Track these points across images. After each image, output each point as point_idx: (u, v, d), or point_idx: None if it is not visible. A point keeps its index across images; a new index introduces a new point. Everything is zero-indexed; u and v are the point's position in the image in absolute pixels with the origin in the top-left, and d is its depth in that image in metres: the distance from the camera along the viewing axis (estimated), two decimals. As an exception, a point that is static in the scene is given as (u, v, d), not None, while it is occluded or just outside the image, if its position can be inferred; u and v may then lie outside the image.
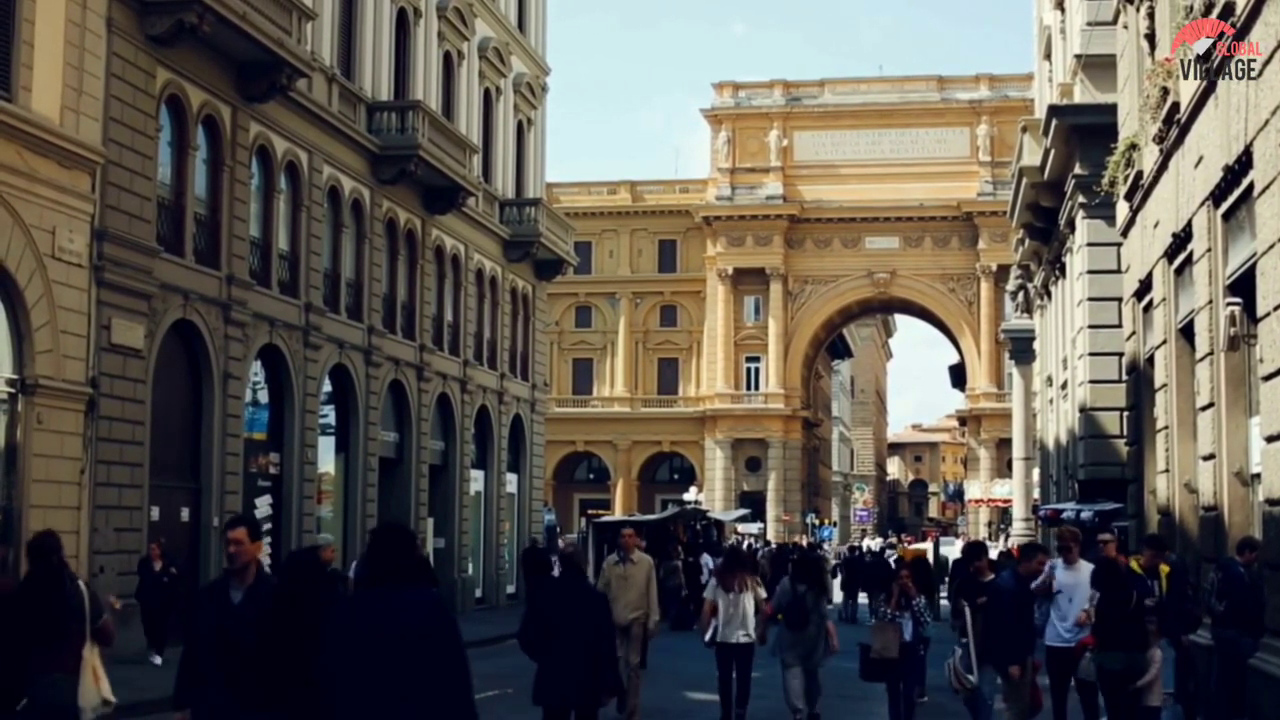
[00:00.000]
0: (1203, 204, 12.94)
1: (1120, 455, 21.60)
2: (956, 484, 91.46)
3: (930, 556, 32.16)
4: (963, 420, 71.42)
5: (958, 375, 69.52)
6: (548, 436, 40.69)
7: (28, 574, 8.22)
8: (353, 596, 5.96)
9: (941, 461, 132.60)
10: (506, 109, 34.80)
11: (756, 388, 65.33)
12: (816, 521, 69.81)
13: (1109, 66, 20.32)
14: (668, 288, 67.38)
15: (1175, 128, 14.15)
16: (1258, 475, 11.90)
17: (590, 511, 61.34)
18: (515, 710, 11.70)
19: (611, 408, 66.73)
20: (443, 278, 30.55)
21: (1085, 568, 11.94)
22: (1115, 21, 19.49)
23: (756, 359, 65.44)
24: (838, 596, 34.82)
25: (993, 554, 22.62)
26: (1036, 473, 35.49)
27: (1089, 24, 23.57)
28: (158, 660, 17.32)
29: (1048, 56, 31.44)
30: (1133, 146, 17.14)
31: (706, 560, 31.51)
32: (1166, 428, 15.69)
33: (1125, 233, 18.68)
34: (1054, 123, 24.05)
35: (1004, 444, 56.32)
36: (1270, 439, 10.71)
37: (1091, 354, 23.40)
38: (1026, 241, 32.18)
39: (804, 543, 48.56)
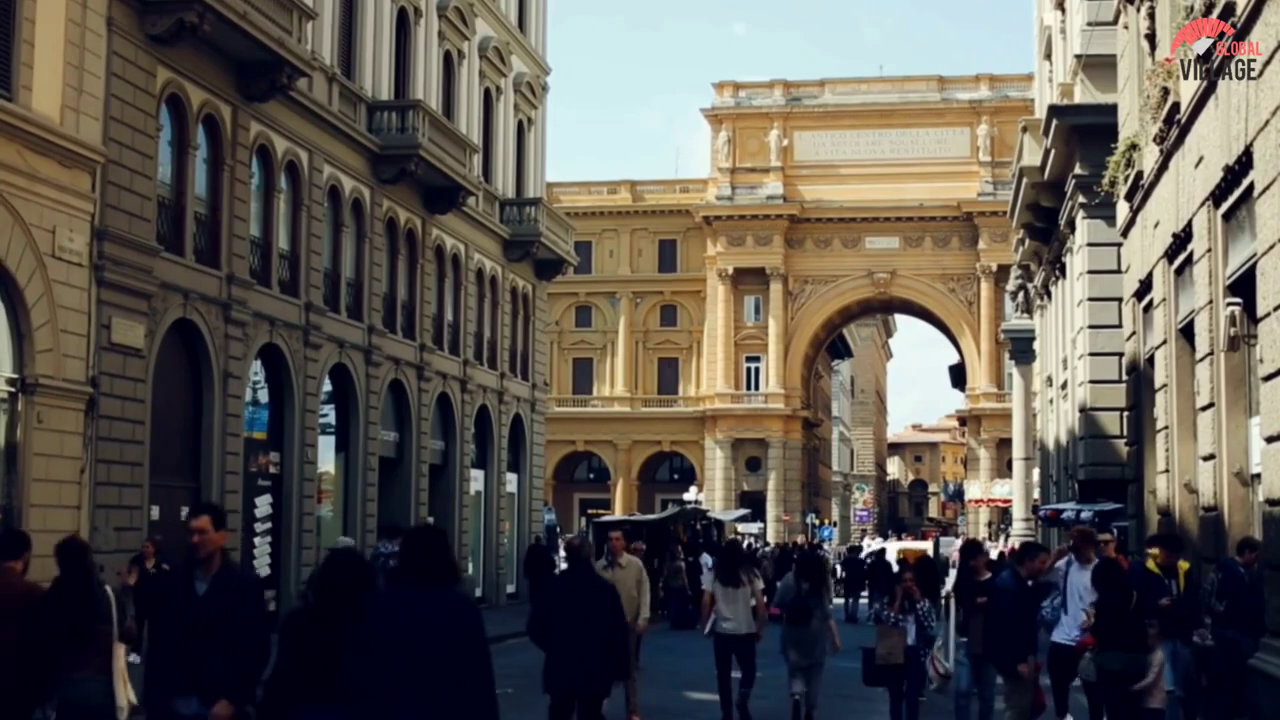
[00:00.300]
0: (1203, 204, 12.94)
1: (1120, 455, 21.60)
2: (956, 484, 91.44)
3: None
4: (963, 420, 71.43)
5: (958, 375, 69.54)
6: (548, 436, 40.70)
7: (57, 577, 8.26)
8: (383, 593, 6.10)
9: (941, 461, 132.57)
10: (507, 109, 34.81)
11: (756, 388, 65.34)
12: (816, 521, 69.81)
13: (1109, 66, 20.32)
14: (668, 287, 67.39)
15: (1175, 128, 14.15)
16: (1258, 475, 11.90)
17: (590, 511, 61.42)
18: (516, 709, 11.71)
19: (611, 407, 66.74)
20: (443, 277, 30.56)
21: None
22: (1115, 22, 19.49)
23: (756, 359, 65.45)
24: (838, 596, 34.85)
25: (992, 554, 22.66)
26: (1036, 473, 35.49)
27: (1089, 24, 23.57)
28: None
29: (1048, 56, 31.44)
30: (1133, 146, 17.14)
31: (706, 560, 31.56)
32: (1166, 428, 15.68)
33: (1125, 233, 18.69)
34: (1054, 123, 24.04)
35: (1004, 444, 56.34)
36: (1270, 439, 10.71)
37: (1091, 354, 23.40)
38: (1026, 241, 32.17)
39: (803, 542, 48.56)
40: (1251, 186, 11.14)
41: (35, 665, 7.87)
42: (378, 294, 26.84)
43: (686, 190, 68.37)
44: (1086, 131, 22.81)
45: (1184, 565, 12.18)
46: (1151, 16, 15.98)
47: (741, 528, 51.26)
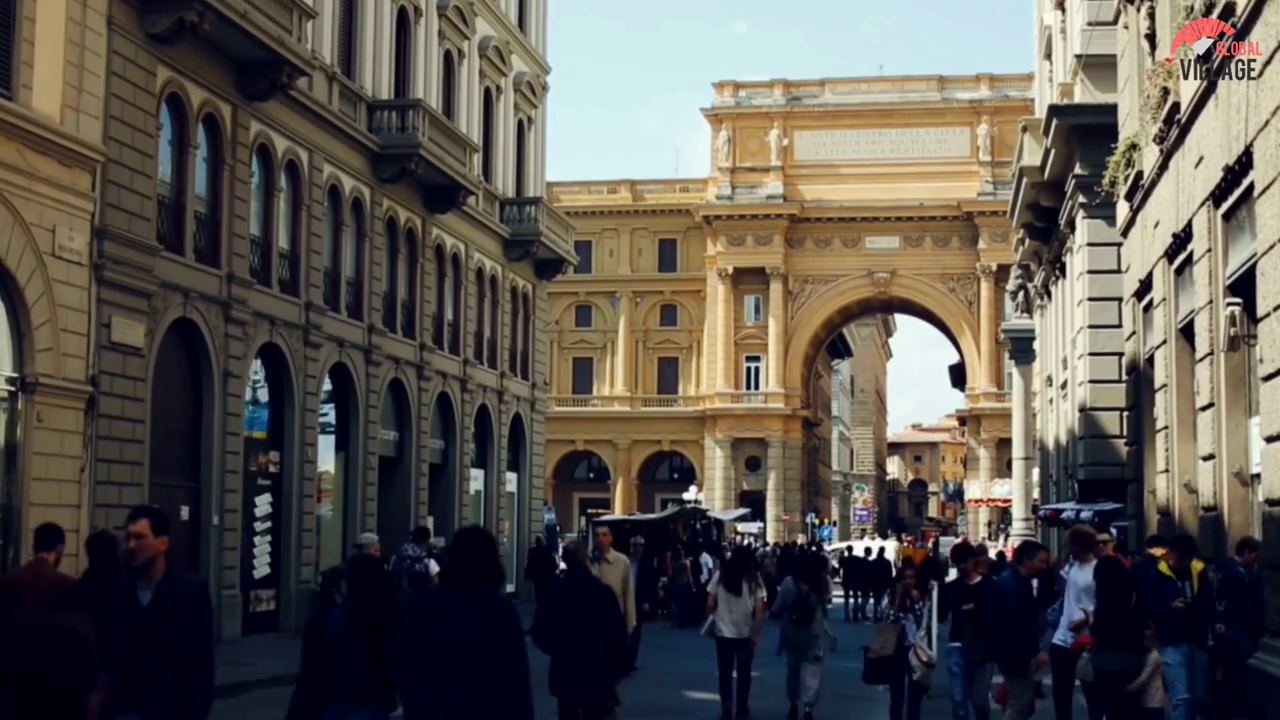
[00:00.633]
0: (1203, 204, 12.95)
1: (1120, 455, 21.60)
2: (956, 484, 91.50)
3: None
4: (963, 420, 71.42)
5: (958, 375, 69.54)
6: (548, 435, 40.70)
7: (87, 570, 8.72)
8: (433, 592, 6.63)
9: (941, 461, 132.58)
10: (507, 108, 34.81)
11: (756, 387, 65.35)
12: (816, 521, 69.82)
13: (1109, 66, 20.32)
14: (668, 287, 67.39)
15: (1175, 128, 14.15)
16: (1257, 475, 11.90)
17: (590, 510, 61.43)
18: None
19: (611, 407, 66.74)
20: (443, 276, 30.56)
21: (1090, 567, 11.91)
22: (1116, 21, 19.49)
23: (756, 358, 65.45)
24: (838, 596, 34.84)
25: (991, 553, 22.65)
26: (1036, 472, 35.51)
27: (1089, 24, 23.58)
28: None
29: (1048, 56, 31.44)
30: (1133, 146, 17.15)
31: (706, 560, 31.60)
32: (1166, 428, 15.69)
33: (1125, 233, 18.69)
34: (1054, 123, 24.04)
35: (1004, 444, 56.34)
36: (1270, 439, 10.71)
37: (1091, 354, 23.40)
38: (1026, 241, 32.17)
39: (804, 542, 48.56)
40: (1251, 186, 11.14)
41: None
42: (378, 293, 26.83)
43: (686, 190, 68.37)
44: (1086, 131, 22.81)
45: (1197, 566, 11.98)
46: (1151, 16, 15.98)
47: (741, 527, 51.34)
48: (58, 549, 8.97)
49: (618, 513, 56.73)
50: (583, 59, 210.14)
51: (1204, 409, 13.46)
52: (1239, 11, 11.01)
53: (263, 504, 22.62)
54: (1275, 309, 10.36)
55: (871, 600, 31.87)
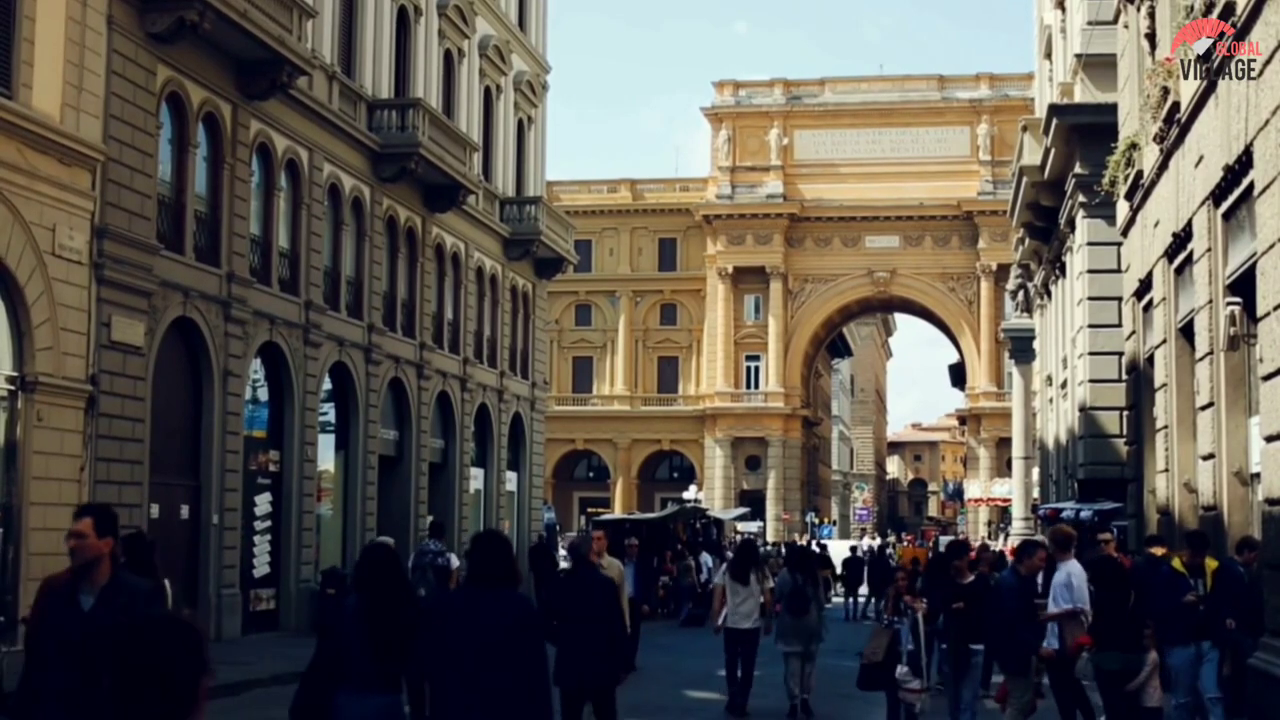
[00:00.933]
0: (1203, 203, 12.95)
1: (1120, 455, 21.61)
2: (956, 483, 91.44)
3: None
4: (962, 419, 71.42)
5: (957, 374, 69.53)
6: (547, 435, 40.69)
7: (123, 567, 8.88)
8: (457, 593, 7.11)
9: (941, 461, 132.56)
10: (507, 107, 34.79)
11: (756, 386, 65.34)
12: (816, 520, 69.82)
13: (1109, 66, 20.32)
14: (668, 286, 67.38)
15: (1175, 127, 14.15)
16: (1257, 475, 11.90)
17: (590, 510, 61.43)
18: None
19: (611, 406, 66.73)
20: (443, 276, 30.55)
21: (1071, 566, 11.72)
22: (1116, 21, 19.50)
23: (756, 358, 65.45)
24: (839, 596, 34.86)
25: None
26: (1036, 472, 35.50)
27: (1089, 23, 23.58)
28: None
29: (1048, 56, 31.44)
30: (1133, 146, 17.15)
31: (706, 559, 31.65)
32: (1166, 427, 15.69)
33: (1125, 232, 18.69)
34: (1054, 122, 24.05)
35: (1004, 443, 56.35)
36: (1270, 439, 10.71)
37: (1091, 353, 23.41)
38: (1026, 241, 32.18)
39: (808, 542, 48.58)
40: (1251, 186, 11.14)
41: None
42: (378, 292, 26.83)
43: (686, 189, 68.36)
44: (1086, 131, 22.82)
45: (1211, 564, 11.88)
46: (1151, 16, 15.99)
47: (741, 526, 51.28)
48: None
49: (617, 512, 56.74)
50: (583, 58, 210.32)
51: (1204, 408, 13.47)
52: (1239, 11, 11.01)
53: (263, 503, 22.61)
54: (1275, 308, 10.36)
55: (872, 600, 31.89)
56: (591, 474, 69.66)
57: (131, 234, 18.19)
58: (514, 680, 6.15)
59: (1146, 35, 16.42)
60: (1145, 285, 16.96)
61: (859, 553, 38.79)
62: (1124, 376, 20.18)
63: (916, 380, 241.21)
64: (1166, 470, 15.84)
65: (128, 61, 18.33)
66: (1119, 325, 20.47)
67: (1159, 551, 14.15)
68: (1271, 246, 10.36)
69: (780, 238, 64.78)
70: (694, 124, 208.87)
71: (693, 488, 56.49)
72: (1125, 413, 20.45)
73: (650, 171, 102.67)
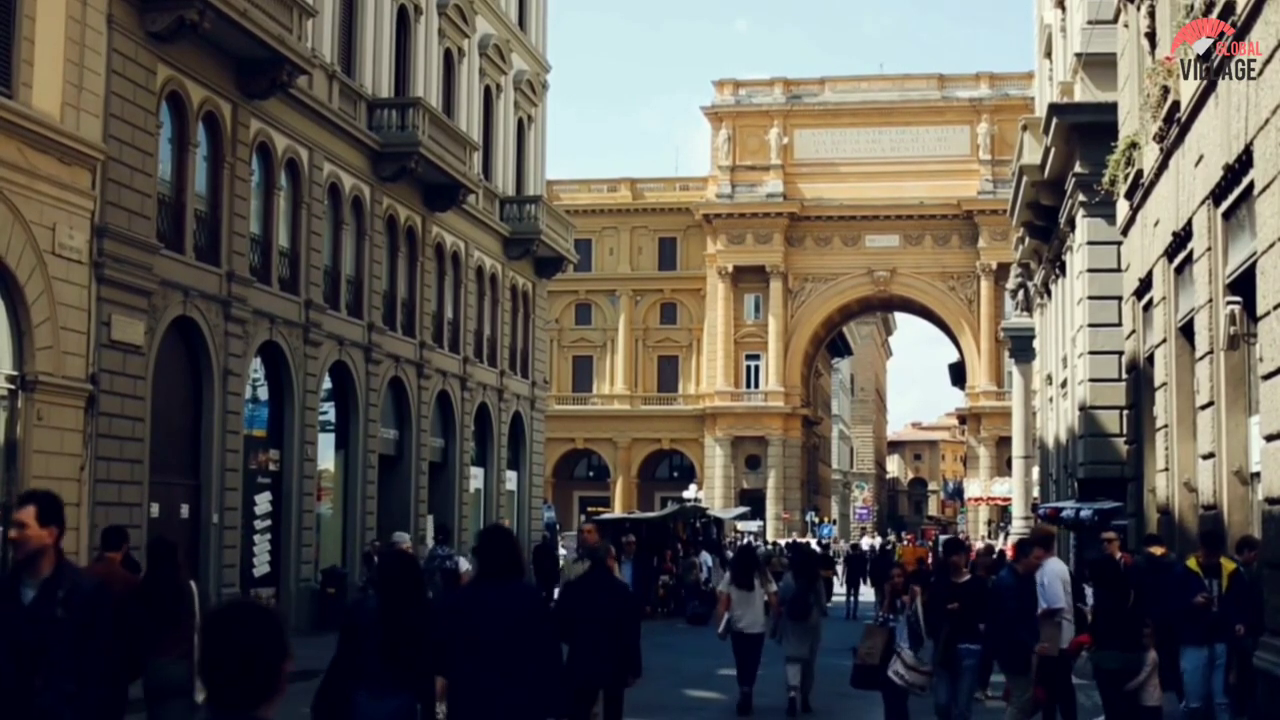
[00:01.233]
0: (1203, 203, 12.95)
1: (1120, 454, 21.60)
2: (956, 482, 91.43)
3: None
4: (962, 418, 71.41)
5: (958, 373, 69.53)
6: (547, 434, 40.70)
7: (148, 572, 9.33)
8: (471, 584, 7.39)
9: (941, 460, 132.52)
10: (507, 106, 34.80)
11: (756, 386, 65.34)
12: (816, 519, 69.81)
13: (1109, 65, 20.31)
14: (668, 285, 67.38)
15: (1175, 126, 14.15)
16: (1257, 474, 11.90)
17: (590, 509, 61.37)
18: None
19: (611, 405, 66.73)
20: (443, 275, 30.56)
21: (1047, 566, 11.63)
22: (1116, 20, 19.50)
23: (756, 357, 65.44)
24: (838, 594, 34.85)
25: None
26: (1036, 471, 35.50)
27: (1089, 23, 23.56)
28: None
29: (1048, 55, 31.43)
30: (1133, 145, 17.15)
31: (705, 558, 31.64)
32: (1166, 426, 15.69)
33: (1125, 231, 18.69)
34: (1054, 121, 24.03)
35: (1004, 442, 56.35)
36: (1270, 438, 10.71)
37: (1091, 352, 23.39)
38: (1026, 240, 32.16)
39: (810, 541, 48.58)
40: (1251, 185, 11.14)
41: (128, 647, 8.32)
42: (378, 291, 26.83)
43: (686, 188, 68.35)
44: (1086, 130, 22.80)
45: (1228, 565, 11.59)
46: (1152, 15, 15.98)
47: (741, 526, 51.34)
48: (124, 548, 9.63)
49: (617, 511, 56.74)
50: (583, 57, 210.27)
51: (1204, 408, 13.47)
52: (1239, 11, 11.01)
53: (263, 502, 22.62)
54: (1275, 307, 10.36)
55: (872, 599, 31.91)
56: (591, 473, 69.66)
57: (131, 233, 18.19)
58: (531, 664, 6.42)
59: (1146, 34, 16.42)
60: (1145, 284, 16.96)
61: (864, 548, 38.81)
62: (1124, 376, 20.18)
63: (916, 379, 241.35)
64: (1166, 469, 15.85)
65: (128, 61, 18.33)
66: (1119, 324, 20.46)
67: (1158, 551, 14.15)
68: (1271, 246, 10.36)
69: (780, 237, 64.78)
70: (694, 123, 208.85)
71: (693, 487, 56.48)
72: (1125, 412, 20.45)
73: (650, 171, 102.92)
